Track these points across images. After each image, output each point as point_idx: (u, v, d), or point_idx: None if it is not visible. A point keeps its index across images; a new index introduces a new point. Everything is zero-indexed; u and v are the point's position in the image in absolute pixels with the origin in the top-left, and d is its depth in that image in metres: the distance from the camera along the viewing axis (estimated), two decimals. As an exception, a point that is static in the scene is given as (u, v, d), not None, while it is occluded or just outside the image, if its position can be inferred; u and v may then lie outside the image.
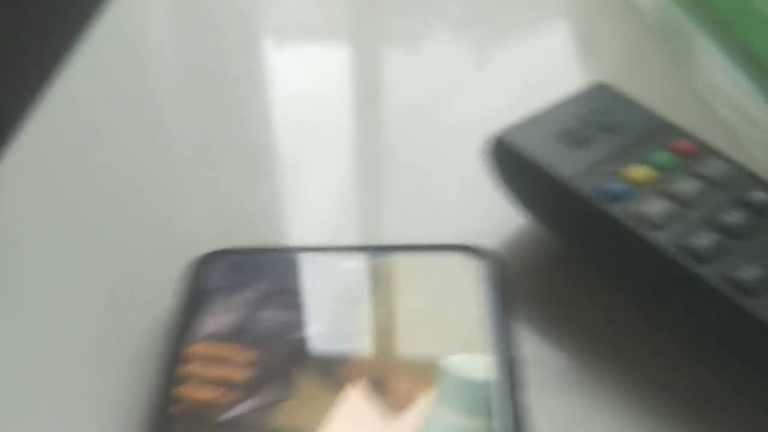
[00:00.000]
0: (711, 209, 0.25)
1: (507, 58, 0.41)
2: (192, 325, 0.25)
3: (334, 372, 0.24)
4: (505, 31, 0.43)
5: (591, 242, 0.26)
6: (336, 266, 0.27)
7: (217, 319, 0.25)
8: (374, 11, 0.45)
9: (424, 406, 0.23)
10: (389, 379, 0.23)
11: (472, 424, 0.22)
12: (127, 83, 0.40)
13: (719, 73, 0.39)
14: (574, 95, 0.29)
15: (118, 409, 0.24)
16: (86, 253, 0.30)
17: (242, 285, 0.26)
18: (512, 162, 0.27)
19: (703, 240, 0.24)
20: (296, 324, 0.25)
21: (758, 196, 0.26)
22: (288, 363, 0.24)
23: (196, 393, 0.23)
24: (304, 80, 0.40)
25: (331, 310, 0.25)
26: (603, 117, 0.28)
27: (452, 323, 0.25)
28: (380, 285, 0.26)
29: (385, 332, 0.25)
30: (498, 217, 0.30)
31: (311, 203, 0.32)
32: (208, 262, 0.27)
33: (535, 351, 0.26)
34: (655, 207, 0.25)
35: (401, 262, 0.27)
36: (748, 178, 0.27)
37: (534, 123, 0.28)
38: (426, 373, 0.24)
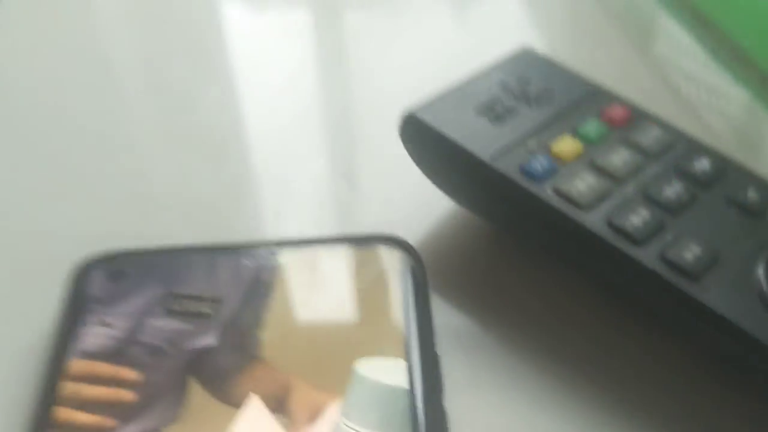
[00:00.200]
0: (646, 183, 0.23)
1: (452, 25, 0.38)
2: (72, 340, 0.22)
3: (230, 385, 0.21)
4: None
5: (519, 226, 0.24)
6: (235, 265, 0.24)
7: (101, 332, 0.23)
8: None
9: (332, 418, 0.20)
10: (293, 390, 0.21)
11: (385, 437, 0.20)
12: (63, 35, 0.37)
13: (674, 42, 0.36)
14: (496, 63, 0.26)
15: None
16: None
17: (130, 292, 0.23)
18: (426, 141, 0.24)
19: (638, 218, 0.22)
20: (189, 333, 0.22)
21: (699, 165, 0.24)
22: (178, 378, 0.21)
23: (75, 416, 0.21)
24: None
25: (229, 315, 0.23)
26: (527, 86, 0.26)
27: (364, 324, 0.23)
28: (284, 284, 0.24)
29: (289, 337, 0.22)
30: (423, 202, 0.27)
31: (245, 184, 0.29)
32: (90, 267, 0.24)
33: (463, 348, 0.23)
34: (582, 184, 0.23)
35: (307, 257, 0.24)
36: (688, 145, 0.25)
37: (451, 96, 0.25)
38: (335, 380, 0.21)
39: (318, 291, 0.23)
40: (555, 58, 0.27)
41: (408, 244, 0.24)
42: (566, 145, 0.24)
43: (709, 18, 0.35)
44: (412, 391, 0.21)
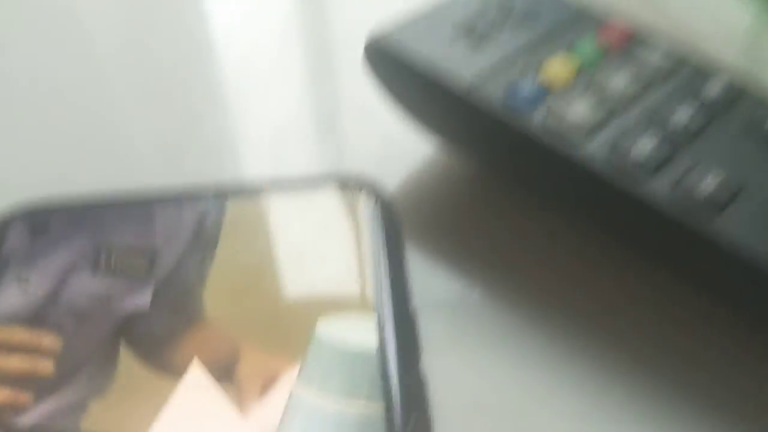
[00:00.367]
0: (651, 108, 0.20)
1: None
2: (-19, 303, 0.19)
3: (168, 352, 0.18)
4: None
5: (505, 163, 0.21)
6: (176, 215, 0.21)
7: (17, 291, 0.19)
8: None
9: (287, 388, 0.17)
10: (242, 355, 0.18)
11: (351, 408, 0.17)
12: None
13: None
14: (475, -20, 0.23)
15: None
16: None
17: (54, 246, 0.20)
18: (396, 71, 0.21)
19: (644, 146, 0.19)
20: (121, 292, 0.19)
21: (711, 89, 0.20)
22: (107, 344, 0.18)
23: (-17, 393, 0.17)
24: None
25: (167, 272, 0.19)
26: (511, 4, 0.22)
27: (325, 277, 0.19)
28: (232, 232, 0.20)
29: (237, 295, 0.19)
30: (400, 144, 0.24)
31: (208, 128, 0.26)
32: (9, 219, 0.21)
33: (443, 304, 0.20)
34: (578, 111, 0.19)
35: (261, 201, 0.21)
36: (695, 68, 0.21)
37: (423, 18, 0.22)
38: (292, 344, 0.18)
39: (271, 242, 0.20)
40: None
41: (376, 185, 0.21)
42: (557, 68, 0.20)
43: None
44: (383, 353, 0.18)
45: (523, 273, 0.21)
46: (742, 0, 0.30)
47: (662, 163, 0.18)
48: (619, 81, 0.20)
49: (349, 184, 0.21)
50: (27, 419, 0.17)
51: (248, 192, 0.21)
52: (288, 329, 0.18)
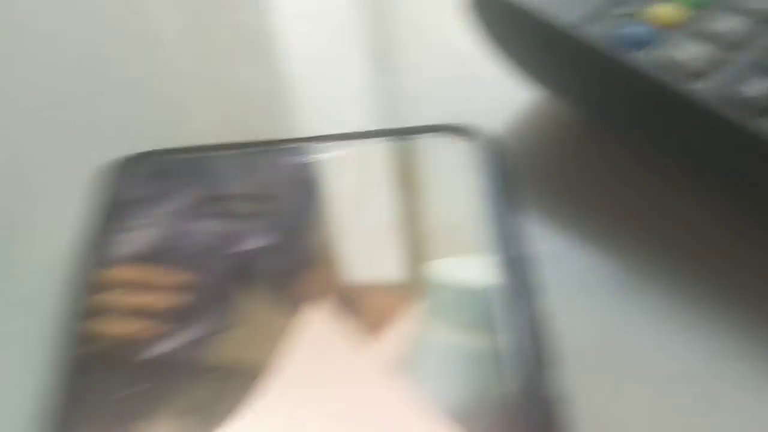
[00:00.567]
0: (763, 50, 0.20)
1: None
2: (106, 246, 0.20)
3: (288, 289, 0.18)
4: None
5: (612, 106, 0.21)
6: (287, 163, 0.21)
7: (138, 235, 0.20)
8: None
9: (408, 323, 0.17)
10: (361, 293, 0.18)
11: (472, 342, 0.17)
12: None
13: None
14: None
15: (24, 353, 0.19)
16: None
17: (169, 192, 0.21)
18: (498, 13, 0.21)
19: (757, 87, 0.19)
20: (238, 235, 0.20)
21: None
22: (229, 283, 0.19)
23: (114, 328, 0.18)
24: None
25: (282, 216, 0.20)
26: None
27: (441, 220, 0.20)
28: (348, 180, 0.21)
29: (354, 236, 0.20)
30: (500, 91, 0.24)
31: (293, 85, 0.27)
32: (125, 167, 0.21)
33: (552, 247, 0.20)
34: (689, 51, 0.19)
35: (374, 150, 0.21)
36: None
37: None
38: (409, 282, 0.18)
39: (388, 186, 0.20)
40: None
41: (486, 132, 0.21)
42: (665, 10, 0.20)
43: None
44: (501, 290, 0.18)
45: (631, 217, 0.21)
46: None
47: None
48: (730, 24, 0.20)
49: (458, 131, 0.21)
50: (156, 351, 0.17)
51: (361, 140, 0.21)
52: (405, 268, 0.19)
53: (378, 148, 0.21)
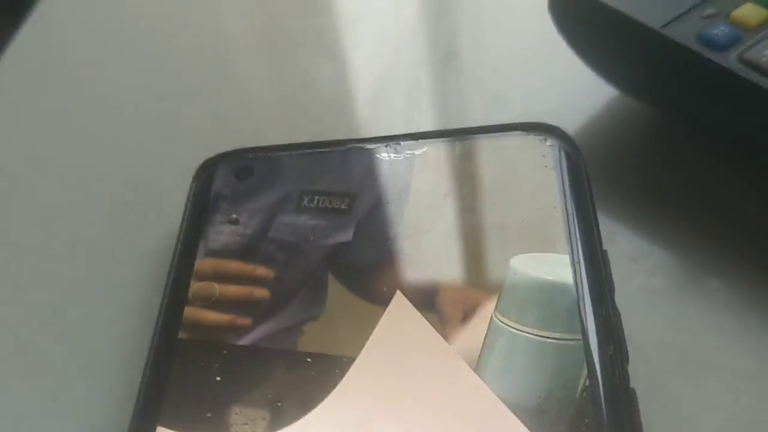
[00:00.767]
0: None
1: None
2: (201, 238, 0.21)
3: (371, 282, 0.19)
4: None
5: (693, 106, 0.21)
6: (370, 160, 0.22)
7: (229, 229, 0.21)
8: None
9: (487, 316, 0.18)
10: (442, 285, 0.19)
11: (550, 337, 0.17)
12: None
13: None
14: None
15: (124, 337, 0.21)
16: (85, 162, 0.26)
17: (259, 189, 0.22)
18: (581, 12, 0.21)
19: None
20: (324, 229, 0.20)
21: None
22: (317, 275, 0.20)
23: (208, 316, 0.19)
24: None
25: (366, 211, 0.21)
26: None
27: (520, 216, 0.20)
28: (430, 176, 0.21)
29: (436, 230, 0.20)
30: (577, 91, 0.24)
31: (373, 84, 0.27)
32: (217, 165, 0.22)
33: (627, 246, 0.21)
34: (773, 52, 0.19)
35: (455, 147, 0.22)
36: None
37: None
38: (488, 277, 0.19)
39: (463, 184, 0.21)
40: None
41: (562, 131, 0.21)
42: (749, 11, 0.20)
43: None
44: (576, 286, 0.18)
45: (703, 221, 0.21)
46: None
47: None
48: (817, 21, 0.20)
49: (535, 129, 0.21)
50: (247, 339, 0.19)
51: (440, 137, 0.22)
52: (483, 264, 0.19)
53: (458, 145, 0.22)
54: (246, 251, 0.20)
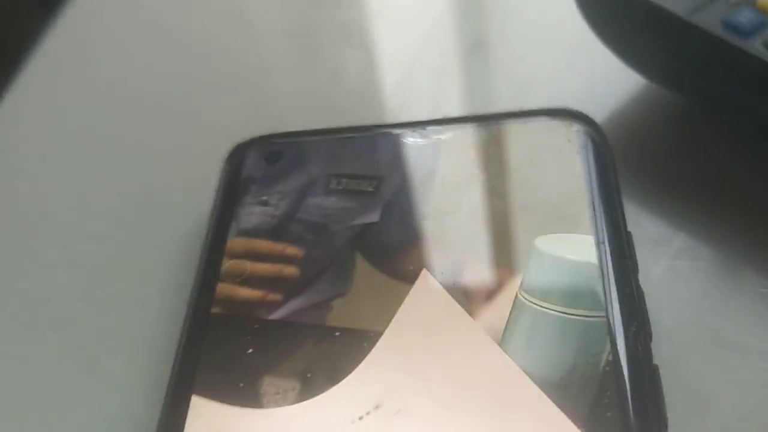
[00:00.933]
0: None
1: None
2: (233, 219, 0.21)
3: (398, 261, 0.20)
4: None
5: (720, 93, 0.21)
6: (396, 145, 0.22)
7: (260, 210, 0.21)
8: None
9: (511, 294, 0.18)
10: (468, 264, 0.19)
11: (574, 314, 0.18)
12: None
13: None
14: None
15: (158, 313, 0.21)
16: (120, 149, 0.27)
17: (287, 172, 0.22)
18: (607, 2, 0.22)
19: None
20: (351, 210, 0.21)
21: None
22: (344, 254, 0.20)
23: (240, 292, 0.20)
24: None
25: (392, 193, 0.21)
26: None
27: (545, 198, 0.20)
28: (456, 160, 0.22)
29: (461, 211, 0.21)
30: (604, 79, 0.25)
31: (402, 72, 0.28)
32: (247, 149, 0.23)
33: (652, 230, 0.21)
34: (800, 38, 0.20)
35: (481, 132, 0.22)
36: None
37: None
38: (514, 257, 0.19)
39: (489, 167, 0.21)
40: None
41: (588, 116, 0.22)
42: (776, -3, 0.21)
43: None
44: (601, 266, 0.18)
45: (727, 208, 0.21)
46: None
47: None
48: (843, 7, 0.20)
49: (560, 115, 0.22)
50: (278, 314, 0.19)
51: (466, 123, 0.22)
52: (509, 244, 0.20)
53: (484, 130, 0.22)
54: (276, 231, 0.21)
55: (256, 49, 0.31)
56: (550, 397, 0.16)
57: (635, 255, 0.19)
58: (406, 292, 0.19)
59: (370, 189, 0.21)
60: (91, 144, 0.28)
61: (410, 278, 0.19)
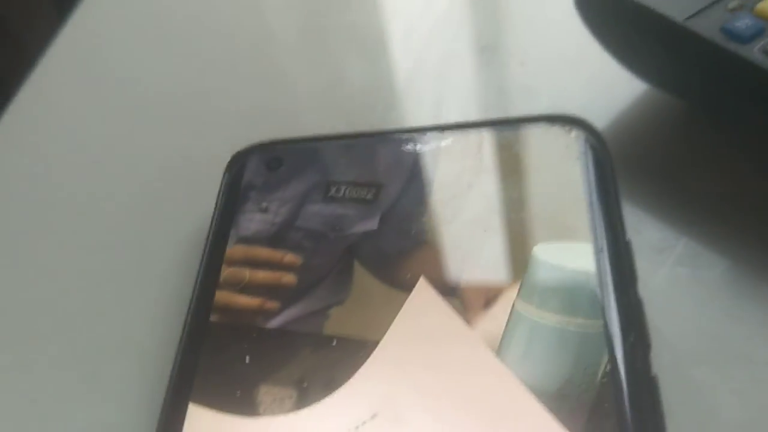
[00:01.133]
0: None
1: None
2: (232, 226, 0.21)
3: (396, 269, 0.20)
4: None
5: (719, 99, 0.21)
6: (396, 152, 0.22)
7: (259, 218, 0.21)
8: None
9: (508, 303, 0.18)
10: (465, 272, 0.19)
11: (571, 324, 0.18)
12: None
13: None
14: None
15: (157, 320, 0.21)
16: (122, 155, 0.27)
17: (287, 179, 0.22)
18: (606, 6, 0.22)
19: None
20: (350, 218, 0.21)
21: None
22: (343, 262, 0.20)
23: (238, 300, 0.20)
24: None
25: (391, 201, 0.21)
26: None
27: (543, 206, 0.20)
28: (455, 167, 0.22)
29: (460, 219, 0.21)
30: (605, 85, 0.25)
31: (404, 79, 0.28)
32: (247, 156, 0.23)
33: (654, 236, 0.21)
34: (799, 44, 0.19)
35: (480, 138, 0.22)
36: None
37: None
38: (511, 264, 0.19)
39: (487, 174, 0.21)
40: None
41: (587, 122, 0.22)
42: (776, 4, 0.20)
43: None
44: (599, 275, 0.18)
45: (729, 214, 0.21)
46: None
47: None
48: (843, 13, 0.20)
49: (560, 121, 0.22)
50: (276, 322, 0.19)
51: (465, 129, 0.22)
52: (506, 253, 0.20)
53: (482, 136, 0.22)
54: (275, 239, 0.21)
55: (264, 54, 0.31)
56: (547, 407, 0.16)
57: (634, 263, 0.19)
58: (404, 300, 0.19)
59: (369, 196, 0.21)
60: (91, 151, 0.28)
61: (408, 286, 0.19)
